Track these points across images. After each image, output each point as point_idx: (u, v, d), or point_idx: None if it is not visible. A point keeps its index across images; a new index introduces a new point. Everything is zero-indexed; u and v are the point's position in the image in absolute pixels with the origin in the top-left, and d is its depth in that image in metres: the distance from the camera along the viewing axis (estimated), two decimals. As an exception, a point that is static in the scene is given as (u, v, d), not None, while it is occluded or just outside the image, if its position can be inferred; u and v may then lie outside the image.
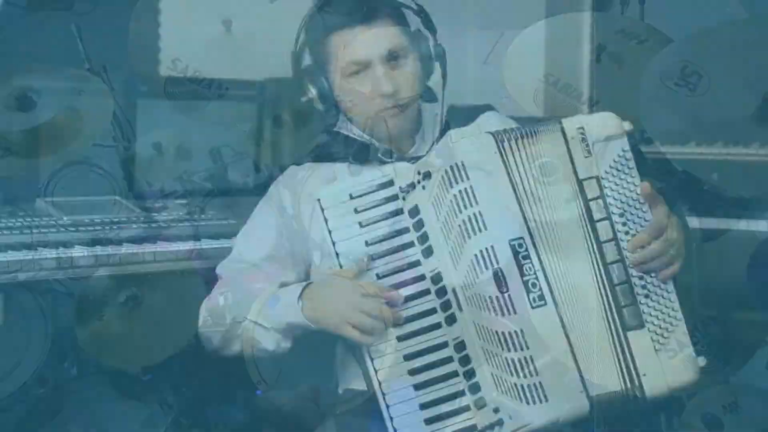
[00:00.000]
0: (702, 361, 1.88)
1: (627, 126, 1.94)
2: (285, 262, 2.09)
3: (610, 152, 1.91)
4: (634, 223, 1.89)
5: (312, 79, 2.09)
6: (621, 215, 1.89)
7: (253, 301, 2.01)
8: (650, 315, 1.88)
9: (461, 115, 2.16)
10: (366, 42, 2.02)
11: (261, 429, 3.05)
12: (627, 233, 1.89)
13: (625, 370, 1.85)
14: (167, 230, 2.43)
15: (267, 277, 2.08)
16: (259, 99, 3.23)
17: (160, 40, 3.63)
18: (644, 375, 1.85)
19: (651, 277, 1.89)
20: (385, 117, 2.04)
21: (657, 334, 1.87)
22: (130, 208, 2.53)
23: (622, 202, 1.90)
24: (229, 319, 2.03)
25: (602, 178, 1.90)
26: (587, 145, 1.90)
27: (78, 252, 2.19)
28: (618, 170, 1.91)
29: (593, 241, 1.87)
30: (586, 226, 1.88)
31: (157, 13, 3.63)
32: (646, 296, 1.88)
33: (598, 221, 1.88)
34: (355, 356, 2.04)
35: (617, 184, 1.90)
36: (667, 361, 1.86)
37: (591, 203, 1.89)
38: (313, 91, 2.09)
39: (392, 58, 2.03)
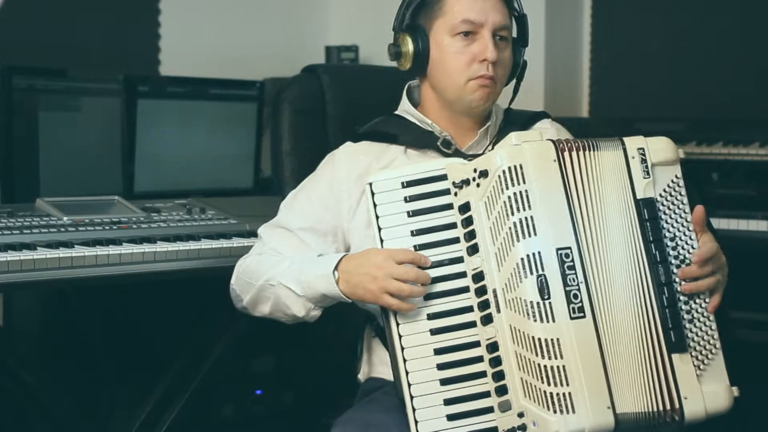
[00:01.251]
0: (736, 391, 1.90)
1: (682, 153, 1.96)
2: (326, 237, 2.07)
3: (666, 176, 1.92)
4: (683, 248, 1.90)
5: (414, 33, 2.06)
6: (672, 239, 1.90)
7: (289, 264, 2.00)
8: (692, 340, 1.88)
9: (518, 119, 2.16)
10: (483, 6, 2.03)
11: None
12: (676, 257, 1.90)
13: (666, 391, 1.84)
14: (167, 230, 2.43)
15: (304, 247, 2.07)
16: (259, 99, 3.24)
17: (161, 40, 3.64)
18: (686, 398, 1.84)
19: (695, 303, 1.89)
20: (477, 85, 2.02)
21: (698, 360, 1.87)
22: (130, 208, 2.53)
23: (673, 226, 1.91)
24: (263, 280, 2.02)
25: (657, 201, 1.91)
26: (646, 167, 1.91)
27: (78, 252, 2.19)
28: (671, 195, 1.92)
29: (645, 260, 1.88)
30: (640, 245, 1.88)
31: (157, 13, 3.64)
32: (690, 321, 1.88)
33: (652, 242, 1.89)
34: (384, 345, 2.03)
35: (670, 209, 1.91)
36: (707, 388, 1.86)
37: (646, 223, 1.89)
38: (410, 47, 2.07)
39: (499, 35, 2.04)
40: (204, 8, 3.78)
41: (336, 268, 1.93)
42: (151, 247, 2.30)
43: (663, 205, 1.92)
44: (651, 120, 3.53)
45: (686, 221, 1.92)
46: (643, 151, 1.92)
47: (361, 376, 2.14)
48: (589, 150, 1.90)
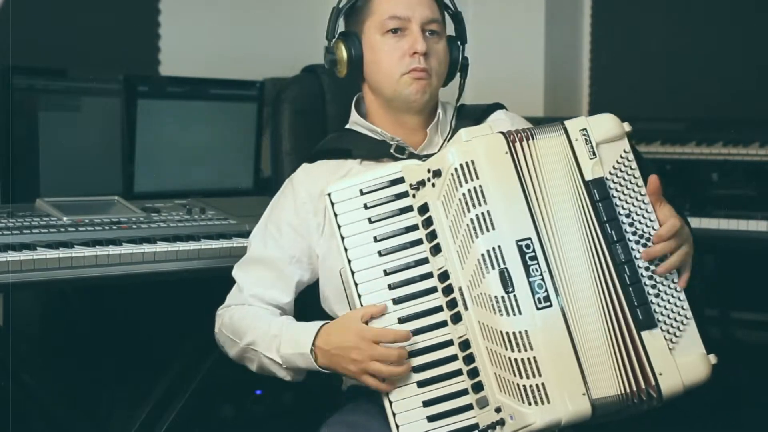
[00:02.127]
0: (713, 358, 1.88)
1: (627, 127, 1.95)
2: (301, 262, 2.08)
3: (613, 153, 1.92)
4: (641, 222, 1.89)
5: (346, 39, 2.09)
6: (627, 215, 1.89)
7: (268, 329, 2.01)
8: (661, 315, 1.87)
9: (471, 114, 2.17)
10: (409, 2, 2.05)
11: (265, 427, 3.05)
12: (635, 233, 1.89)
13: (639, 370, 1.84)
14: (167, 230, 2.43)
15: (285, 278, 2.08)
16: (259, 99, 3.24)
17: (161, 40, 3.64)
18: (660, 374, 1.84)
19: (659, 277, 1.88)
20: (410, 79, 2.03)
21: (669, 333, 1.86)
22: (130, 208, 2.53)
23: (627, 202, 1.90)
24: (245, 342, 2.03)
25: (607, 179, 1.90)
26: (591, 147, 1.91)
27: (78, 252, 2.19)
28: (621, 171, 1.91)
29: (602, 242, 1.87)
30: (594, 227, 1.87)
31: (157, 13, 3.64)
32: (656, 296, 1.88)
33: (606, 222, 1.88)
34: None
35: (621, 185, 1.91)
36: (681, 360, 1.85)
37: (598, 204, 1.88)
38: (344, 54, 2.09)
39: (429, 29, 2.06)
40: (204, 8, 3.78)
41: (314, 343, 1.92)
42: (151, 247, 2.30)
43: (614, 183, 1.90)
44: (651, 120, 3.54)
45: (641, 195, 1.90)
46: (586, 131, 1.91)
47: (344, 386, 2.14)
48: (533, 138, 1.90)
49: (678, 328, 1.87)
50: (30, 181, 2.77)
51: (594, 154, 1.91)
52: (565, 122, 1.93)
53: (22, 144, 2.78)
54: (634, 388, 1.83)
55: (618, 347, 1.84)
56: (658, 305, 1.87)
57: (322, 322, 1.96)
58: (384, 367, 1.85)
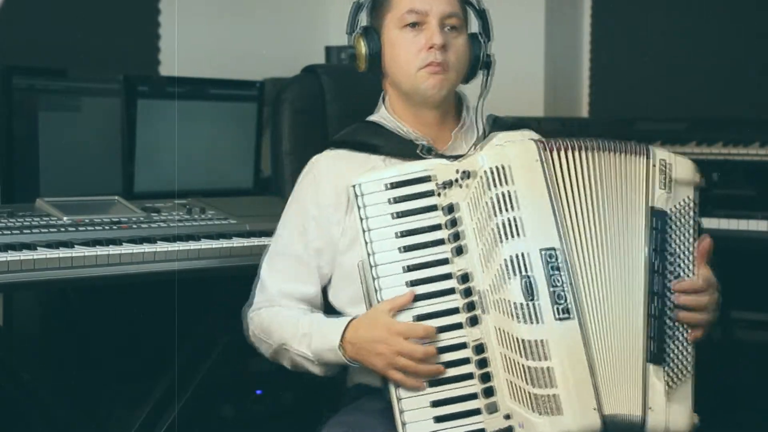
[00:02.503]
0: (696, 418, 1.89)
1: (699, 178, 1.96)
2: (325, 254, 2.08)
3: (681, 194, 1.93)
4: (680, 267, 1.90)
5: (366, 36, 2.10)
6: (672, 254, 1.90)
7: (299, 327, 2.02)
8: (668, 356, 1.87)
9: (503, 125, 2.14)
10: None
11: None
12: (672, 272, 1.89)
13: (634, 397, 1.84)
14: (167, 230, 2.43)
15: (310, 270, 2.08)
16: (259, 99, 3.24)
17: (161, 40, 3.64)
18: (651, 409, 1.84)
19: (680, 324, 1.89)
20: (427, 73, 2.03)
21: (669, 376, 1.87)
22: (130, 208, 2.53)
23: (675, 243, 1.91)
24: (277, 342, 2.05)
25: (668, 214, 1.91)
26: (666, 179, 1.92)
27: (78, 252, 2.19)
28: (681, 214, 1.92)
29: (644, 267, 1.87)
30: (642, 252, 1.88)
31: (157, 13, 3.64)
32: (671, 338, 1.88)
33: (655, 251, 1.88)
34: None
35: (677, 226, 1.91)
36: (672, 405, 1.86)
37: (653, 232, 1.89)
38: (363, 49, 2.09)
39: (448, 24, 2.05)
40: (204, 8, 3.77)
41: (342, 338, 1.93)
42: (151, 247, 2.30)
43: (671, 220, 1.91)
44: (651, 120, 3.54)
45: (689, 242, 1.91)
46: (666, 164, 1.92)
47: (349, 381, 2.14)
48: (601, 150, 1.89)
49: (678, 376, 1.87)
50: (30, 181, 2.77)
51: (666, 186, 1.91)
52: (652, 148, 1.93)
53: (22, 144, 2.78)
54: (634, 414, 1.84)
55: (626, 369, 1.84)
56: (669, 347, 1.87)
57: (351, 317, 1.96)
58: (410, 363, 1.84)
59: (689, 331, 1.89)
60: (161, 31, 3.64)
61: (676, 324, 1.88)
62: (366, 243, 1.90)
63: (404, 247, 1.90)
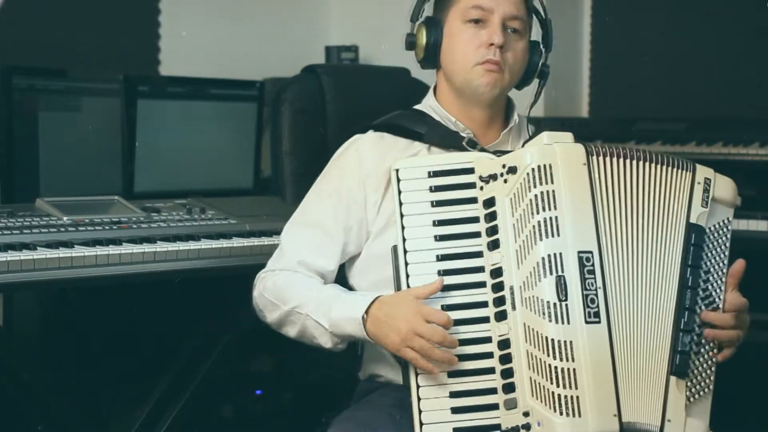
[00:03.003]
0: None
1: (738, 201, 1.99)
2: (352, 232, 2.06)
3: (719, 214, 1.95)
4: (712, 285, 1.92)
5: (428, 26, 2.07)
6: (706, 272, 1.92)
7: (317, 294, 2.00)
8: (692, 372, 1.89)
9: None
10: None
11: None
12: (704, 290, 1.91)
13: (654, 408, 1.85)
14: (167, 230, 2.43)
15: (334, 246, 2.06)
16: (259, 99, 3.24)
17: (161, 40, 3.64)
18: (669, 421, 1.86)
19: (707, 340, 1.91)
20: (483, 70, 2.02)
21: (691, 392, 1.88)
22: (130, 208, 2.53)
23: (710, 262, 1.92)
24: (290, 305, 2.01)
25: (706, 232, 1.93)
26: (707, 197, 1.93)
27: (78, 252, 2.19)
28: (718, 234, 1.94)
29: (677, 281, 1.89)
30: (676, 266, 1.89)
31: (157, 13, 3.64)
32: (696, 353, 1.89)
33: (690, 266, 1.89)
34: None
35: (712, 246, 1.93)
36: (690, 419, 1.87)
37: (690, 248, 1.90)
38: (423, 39, 2.07)
39: (511, 26, 2.04)
40: (204, 8, 3.78)
41: (366, 312, 1.91)
42: (151, 247, 2.30)
43: (709, 239, 1.92)
44: (651, 120, 3.54)
45: (723, 263, 1.93)
46: (710, 182, 1.94)
47: (362, 374, 2.13)
48: (648, 161, 1.90)
49: (699, 392, 1.89)
50: (30, 181, 2.77)
51: (707, 204, 1.93)
52: (697, 165, 1.95)
53: (22, 144, 2.78)
54: (652, 424, 1.85)
55: (648, 379, 1.85)
56: (693, 363, 1.89)
57: (376, 294, 1.94)
58: (426, 345, 1.83)
59: (715, 351, 1.91)
60: (161, 31, 3.64)
61: (704, 341, 1.90)
62: (402, 228, 1.90)
63: (440, 236, 1.90)
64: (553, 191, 1.84)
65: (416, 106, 2.16)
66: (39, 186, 2.77)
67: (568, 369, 1.79)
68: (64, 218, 2.37)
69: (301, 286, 2.03)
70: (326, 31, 4.16)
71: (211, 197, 2.74)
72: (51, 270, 2.13)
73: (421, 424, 1.84)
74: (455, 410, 1.85)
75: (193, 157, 3.09)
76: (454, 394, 1.85)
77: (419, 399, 1.85)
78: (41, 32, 3.25)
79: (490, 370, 1.86)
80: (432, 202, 1.91)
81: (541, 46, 2.12)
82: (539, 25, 2.13)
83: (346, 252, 2.08)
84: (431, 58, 2.08)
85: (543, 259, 1.82)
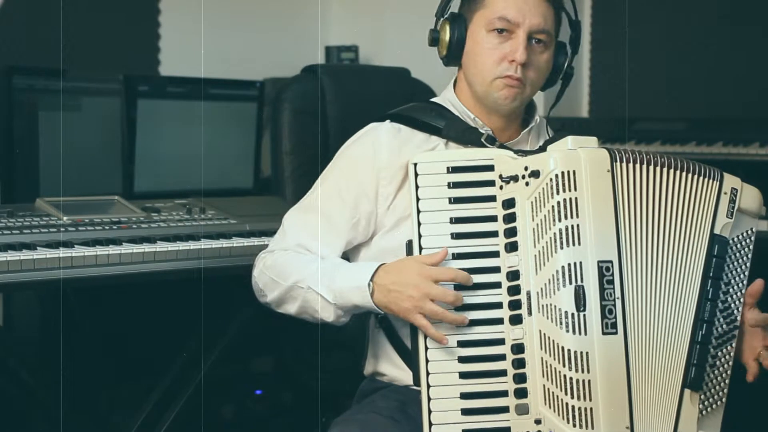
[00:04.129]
0: None
1: (764, 211, 1.97)
2: (360, 225, 2.03)
3: (743, 225, 1.94)
4: (732, 298, 1.91)
5: (453, 22, 2.03)
6: (726, 284, 1.90)
7: (318, 267, 1.97)
8: (707, 384, 1.88)
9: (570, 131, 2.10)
10: (523, 7, 1.98)
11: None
12: (723, 302, 1.90)
13: (669, 420, 1.85)
14: (167, 230, 2.43)
15: (338, 236, 2.03)
16: (259, 99, 3.24)
17: (161, 40, 3.64)
18: None
19: (723, 351, 1.90)
20: (503, 84, 1.98)
21: (704, 405, 1.88)
22: (130, 208, 2.53)
23: (731, 274, 1.91)
24: (291, 281, 1.98)
25: (729, 244, 1.91)
26: (733, 208, 1.91)
27: (78, 252, 2.19)
28: (741, 246, 1.93)
29: (697, 292, 1.87)
30: (697, 277, 1.88)
31: (157, 13, 3.64)
32: (712, 366, 1.89)
33: (711, 278, 1.88)
34: (387, 337, 2.02)
35: (735, 257, 1.92)
36: None
37: (712, 259, 1.88)
38: (447, 35, 2.03)
39: (536, 38, 1.99)
40: (204, 8, 3.77)
41: (372, 279, 1.89)
42: (151, 247, 2.30)
43: (732, 250, 1.91)
44: (651, 120, 3.53)
45: (744, 275, 1.92)
46: (736, 192, 1.92)
47: (366, 371, 2.12)
48: (674, 169, 1.88)
49: (712, 405, 1.88)
50: (30, 181, 2.77)
51: (732, 215, 1.91)
52: (725, 174, 1.93)
53: (22, 144, 2.78)
54: None
55: (661, 391, 1.84)
56: (709, 376, 1.88)
57: (379, 262, 1.91)
58: (438, 309, 1.81)
59: (731, 362, 1.90)
60: (161, 31, 3.64)
61: (720, 353, 1.89)
62: (418, 224, 1.87)
63: (456, 233, 1.87)
64: (576, 199, 1.81)
65: (434, 99, 2.13)
66: (39, 186, 2.77)
67: (584, 380, 1.77)
68: (64, 218, 2.37)
69: (301, 261, 2.00)
70: (326, 31, 4.16)
71: (211, 197, 2.74)
72: (51, 270, 2.13)
73: (431, 424, 1.83)
74: (465, 411, 1.83)
75: (193, 156, 3.09)
76: (465, 396, 1.84)
77: (429, 399, 1.84)
78: (41, 32, 3.25)
79: (503, 373, 1.84)
80: (450, 199, 1.88)
81: (568, 47, 2.08)
82: (568, 25, 2.09)
83: (351, 244, 2.05)
84: (454, 56, 2.04)
85: (563, 267, 1.80)
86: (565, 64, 2.07)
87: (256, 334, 2.84)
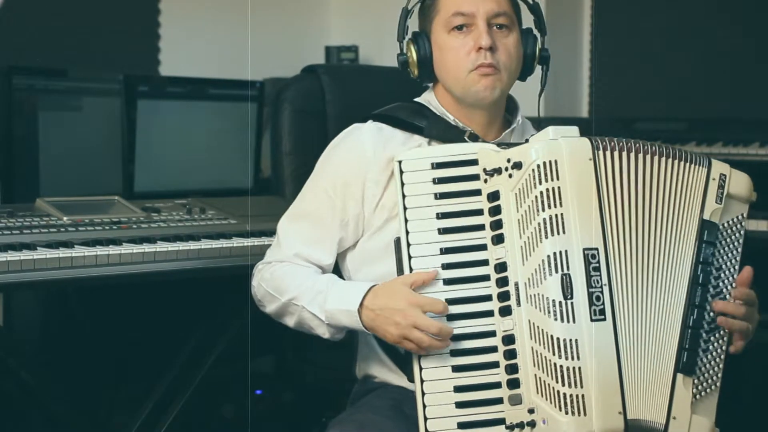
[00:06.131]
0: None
1: (754, 196, 1.97)
2: (350, 226, 2.05)
3: (733, 211, 1.94)
4: (723, 282, 1.91)
5: (416, 41, 2.05)
6: (717, 269, 1.91)
7: (313, 285, 1.99)
8: (700, 369, 1.88)
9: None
10: None
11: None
12: (715, 287, 1.90)
13: (659, 405, 1.85)
14: (167, 230, 2.43)
15: (330, 239, 2.05)
16: (259, 99, 3.24)
17: (161, 40, 3.64)
18: (674, 418, 1.85)
19: (715, 336, 1.90)
20: (478, 75, 1.98)
21: (698, 389, 1.87)
22: (130, 208, 2.53)
23: (722, 259, 1.91)
24: (287, 297, 2.01)
25: (719, 229, 1.91)
26: (722, 193, 1.92)
27: (78, 252, 2.19)
28: (731, 231, 1.93)
29: (687, 278, 1.88)
30: (687, 262, 1.88)
31: (157, 13, 3.64)
32: (705, 351, 1.89)
33: (701, 263, 1.88)
34: (378, 340, 2.03)
35: (725, 243, 1.92)
36: (696, 417, 1.86)
37: (702, 245, 1.89)
38: (414, 54, 2.05)
39: (496, 23, 2.00)
40: (204, 8, 3.78)
41: (361, 304, 1.91)
42: (151, 247, 2.30)
43: (722, 235, 1.91)
44: (651, 120, 3.54)
45: (735, 260, 1.92)
46: (725, 178, 1.92)
47: (358, 375, 2.13)
48: (659, 155, 1.88)
49: (706, 389, 1.88)
50: (30, 181, 2.77)
51: (721, 201, 1.91)
52: (713, 160, 1.93)
53: (22, 144, 2.79)
54: (657, 421, 1.84)
55: (654, 376, 1.84)
56: (701, 360, 1.88)
57: (371, 283, 1.93)
58: (424, 337, 1.83)
59: (725, 346, 1.90)
60: (161, 31, 3.64)
61: (712, 338, 1.89)
62: (405, 221, 1.88)
63: (443, 228, 1.88)
64: (559, 188, 1.82)
65: (417, 98, 2.14)
66: (39, 186, 2.78)
67: (574, 368, 1.78)
68: (64, 218, 2.37)
69: (296, 276, 2.02)
70: (326, 31, 4.16)
71: (211, 197, 2.75)
72: (51, 270, 2.13)
73: (426, 418, 1.84)
74: (459, 405, 1.84)
75: (193, 157, 3.09)
76: (458, 389, 1.84)
77: (423, 394, 1.84)
78: (41, 32, 3.25)
79: (495, 365, 1.85)
80: (435, 195, 1.89)
81: (535, 31, 2.09)
82: (529, 11, 2.10)
83: (341, 246, 2.07)
84: (427, 71, 2.06)
85: (548, 257, 1.81)
86: (537, 48, 2.07)
87: (256, 334, 2.84)
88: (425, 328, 1.83)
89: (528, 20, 2.11)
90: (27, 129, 2.79)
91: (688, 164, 1.91)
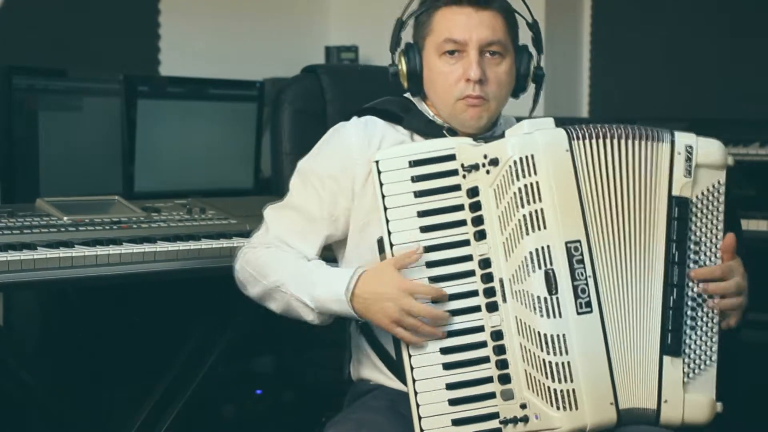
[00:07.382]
0: (720, 407, 1.87)
1: (730, 161, 1.92)
2: (338, 221, 2.03)
3: (707, 179, 1.90)
4: (705, 255, 1.88)
5: (407, 54, 2.03)
6: (696, 243, 1.88)
7: (298, 270, 1.98)
8: (689, 347, 1.86)
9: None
10: (468, 24, 1.96)
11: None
12: (696, 262, 1.88)
13: (652, 390, 1.84)
14: (167, 230, 2.43)
15: (316, 233, 2.03)
16: (259, 99, 3.24)
17: (161, 40, 3.64)
18: (665, 401, 1.84)
19: (702, 312, 1.88)
20: (465, 105, 1.97)
21: (689, 367, 1.86)
22: (130, 208, 2.53)
23: (701, 231, 1.88)
24: (272, 281, 1.99)
25: (692, 202, 1.88)
26: (690, 166, 1.89)
27: (78, 252, 2.19)
28: (708, 200, 1.90)
29: (662, 259, 1.86)
30: (659, 243, 1.86)
31: (157, 13, 3.64)
32: (692, 328, 1.87)
33: (674, 242, 1.86)
34: (368, 342, 2.03)
35: (703, 213, 1.89)
36: (690, 396, 1.85)
37: (673, 222, 1.86)
38: (404, 66, 2.03)
39: (490, 51, 1.97)
40: (204, 8, 3.78)
41: (352, 291, 1.89)
42: (151, 247, 2.30)
43: (696, 208, 1.88)
44: (651, 120, 3.53)
45: (716, 228, 1.89)
46: (691, 149, 1.89)
47: (353, 377, 2.13)
48: (629, 138, 1.86)
49: (699, 366, 1.87)
50: (30, 181, 2.77)
51: (690, 173, 1.88)
52: (676, 133, 1.90)
53: (22, 144, 2.78)
54: (647, 407, 1.83)
55: (641, 362, 1.84)
56: (690, 338, 1.86)
57: (357, 268, 1.91)
58: (417, 323, 1.83)
59: (716, 319, 1.88)
60: (161, 31, 3.64)
61: (698, 314, 1.87)
62: (387, 221, 1.87)
63: (425, 226, 1.87)
64: (537, 183, 1.82)
65: (406, 94, 2.13)
66: (39, 186, 2.77)
67: (563, 363, 1.78)
68: (64, 218, 2.37)
69: (281, 261, 2.00)
70: (326, 31, 4.16)
71: (211, 197, 2.74)
72: (51, 270, 2.13)
73: (420, 417, 1.84)
74: (453, 402, 1.84)
75: (193, 157, 3.09)
76: (450, 386, 1.85)
77: (416, 393, 1.84)
78: (41, 32, 3.25)
79: (485, 360, 1.85)
80: (415, 193, 1.88)
81: (532, 49, 2.05)
82: (528, 28, 2.07)
83: (330, 239, 2.05)
84: (416, 85, 2.04)
85: (531, 253, 1.80)
86: (531, 67, 2.04)
87: (256, 334, 2.85)
88: (417, 313, 1.83)
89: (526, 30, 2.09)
90: (27, 129, 2.79)
91: (652, 142, 1.89)
